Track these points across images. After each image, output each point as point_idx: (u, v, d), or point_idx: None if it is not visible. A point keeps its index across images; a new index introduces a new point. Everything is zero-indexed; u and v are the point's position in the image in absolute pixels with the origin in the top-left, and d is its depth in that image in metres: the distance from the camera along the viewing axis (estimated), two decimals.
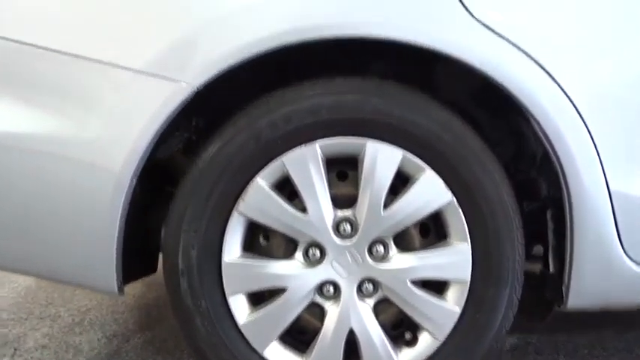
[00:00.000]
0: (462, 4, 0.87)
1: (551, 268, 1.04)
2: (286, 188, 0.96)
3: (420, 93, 0.94)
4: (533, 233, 1.05)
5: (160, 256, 1.02)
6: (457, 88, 1.06)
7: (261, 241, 1.00)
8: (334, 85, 0.93)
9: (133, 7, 0.90)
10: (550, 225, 1.04)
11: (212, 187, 0.92)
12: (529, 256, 1.09)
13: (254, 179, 0.92)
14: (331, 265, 0.96)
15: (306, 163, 0.92)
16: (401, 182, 0.96)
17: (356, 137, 0.92)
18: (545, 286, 1.07)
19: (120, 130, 0.89)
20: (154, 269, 1.13)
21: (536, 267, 1.12)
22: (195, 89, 0.88)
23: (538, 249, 1.14)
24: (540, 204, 1.06)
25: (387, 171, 0.93)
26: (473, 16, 0.88)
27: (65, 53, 0.89)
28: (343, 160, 0.96)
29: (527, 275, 1.04)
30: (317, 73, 0.95)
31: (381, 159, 0.93)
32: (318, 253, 0.96)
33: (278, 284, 0.96)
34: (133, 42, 0.90)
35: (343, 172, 0.98)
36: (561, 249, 0.99)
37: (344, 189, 0.97)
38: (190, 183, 0.93)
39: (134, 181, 0.91)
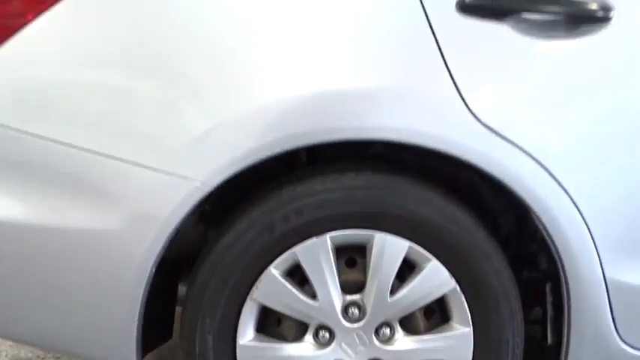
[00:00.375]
0: (469, 109, 0.91)
1: (549, 340, 1.09)
2: (297, 273, 1.01)
3: (426, 187, 0.99)
4: (535, 295, 1.10)
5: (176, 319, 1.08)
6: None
7: (274, 322, 1.05)
8: (344, 180, 0.97)
9: (152, 107, 0.94)
10: (549, 297, 1.08)
11: (227, 277, 0.97)
12: (528, 320, 1.14)
13: (267, 269, 0.97)
14: (340, 346, 1.01)
15: (317, 254, 0.97)
16: (407, 268, 1.01)
17: (364, 230, 0.97)
18: (544, 356, 1.12)
19: (139, 226, 0.94)
20: (170, 335, 1.18)
21: (536, 330, 1.17)
22: (212, 188, 0.92)
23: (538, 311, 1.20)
24: (540, 275, 1.11)
25: (393, 261, 0.98)
26: (478, 119, 0.92)
27: (89, 151, 0.93)
28: (352, 247, 1.01)
29: (526, 340, 1.10)
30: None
31: (388, 250, 0.97)
32: (327, 335, 1.01)
33: None
34: (153, 141, 0.94)
35: (352, 258, 1.03)
36: (559, 322, 1.04)
37: (353, 275, 1.02)
38: (206, 273, 0.98)
39: (153, 269, 0.96)
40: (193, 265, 1.03)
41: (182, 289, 1.14)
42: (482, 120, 0.92)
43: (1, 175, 0.96)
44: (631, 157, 0.97)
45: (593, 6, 0.92)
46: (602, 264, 0.98)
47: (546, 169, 0.94)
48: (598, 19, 0.93)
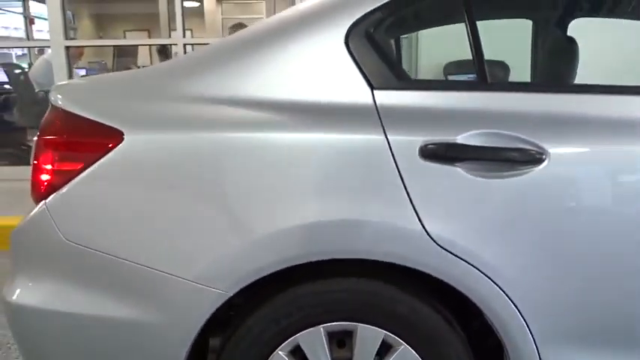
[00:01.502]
0: (430, 236, 1.18)
1: None
2: (299, 351, 1.30)
3: (398, 289, 1.26)
4: None
5: None
6: None
7: None
8: (334, 284, 1.26)
9: (184, 232, 1.24)
10: None
11: (245, 354, 1.27)
12: None
13: (275, 351, 1.27)
14: None
15: (314, 340, 1.26)
16: (386, 348, 1.29)
17: (350, 322, 1.26)
18: None
19: (175, 325, 1.24)
20: None
21: None
22: (231, 295, 1.22)
23: None
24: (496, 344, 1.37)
25: (372, 345, 1.27)
26: (436, 242, 1.19)
27: (138, 264, 1.24)
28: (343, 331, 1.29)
29: None
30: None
31: (369, 337, 1.26)
32: None
33: None
34: (186, 258, 1.23)
35: (342, 340, 1.31)
36: None
37: (343, 353, 1.31)
38: (227, 355, 1.28)
39: (186, 357, 1.26)
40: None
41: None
42: (439, 242, 1.19)
43: (79, 280, 1.28)
44: (561, 270, 1.22)
45: (530, 150, 1.18)
46: (539, 350, 1.24)
47: (491, 279, 1.20)
48: (534, 160, 1.19)
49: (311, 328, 1.26)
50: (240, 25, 5.59)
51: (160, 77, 1.41)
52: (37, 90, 5.20)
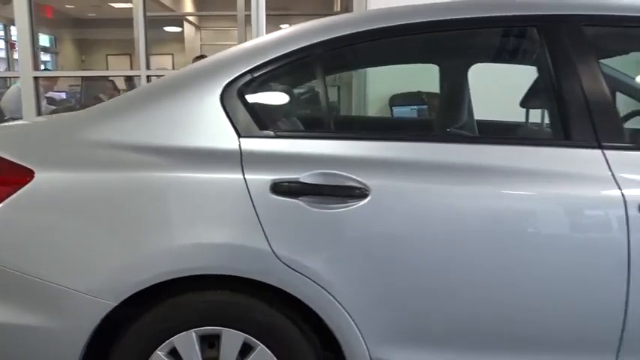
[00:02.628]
0: (276, 256, 1.47)
1: None
2: (176, 352, 1.57)
3: (256, 299, 1.54)
4: None
5: None
6: None
7: None
8: (204, 296, 1.54)
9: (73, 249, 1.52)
10: None
11: (129, 355, 1.54)
12: None
13: (155, 352, 1.54)
14: None
15: (187, 342, 1.54)
16: (248, 348, 1.56)
17: (217, 327, 1.54)
18: None
19: (70, 331, 1.51)
20: None
21: None
22: (116, 305, 1.49)
23: None
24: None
25: (234, 347, 1.54)
26: (282, 261, 1.47)
27: (43, 279, 1.51)
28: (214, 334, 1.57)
29: None
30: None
31: (232, 339, 1.54)
32: None
33: None
34: (81, 274, 1.51)
35: (212, 342, 1.58)
36: None
37: (212, 353, 1.58)
38: (115, 355, 1.55)
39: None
40: None
41: None
42: (284, 261, 1.48)
43: None
44: (382, 282, 1.51)
45: (357, 187, 1.48)
46: (368, 347, 1.52)
47: (325, 289, 1.49)
48: (360, 196, 1.48)
49: (184, 332, 1.54)
50: (201, 57, 5.92)
51: (72, 123, 1.70)
52: (6, 117, 5.46)
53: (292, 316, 1.56)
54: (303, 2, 9.68)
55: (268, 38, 1.70)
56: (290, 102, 1.76)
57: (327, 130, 1.58)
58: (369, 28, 1.63)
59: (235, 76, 1.60)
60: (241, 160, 1.52)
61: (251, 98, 1.61)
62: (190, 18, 12.97)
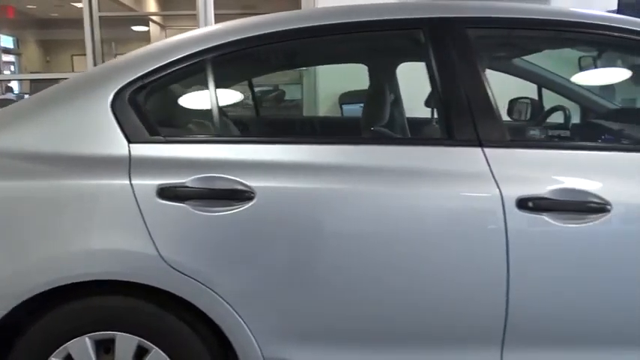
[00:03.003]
0: (163, 259, 1.49)
1: None
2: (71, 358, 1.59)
3: (147, 303, 1.56)
4: None
5: None
6: None
7: None
8: (97, 302, 1.55)
9: None
10: None
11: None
12: None
13: (50, 358, 1.55)
14: None
15: (80, 348, 1.55)
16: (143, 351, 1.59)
17: (110, 332, 1.55)
18: None
19: None
20: None
21: None
22: (5, 313, 1.50)
23: None
24: None
25: (129, 351, 1.56)
26: (168, 264, 1.50)
27: None
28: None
29: None
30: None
31: (126, 343, 1.56)
32: None
33: None
34: None
35: (108, 347, 1.60)
36: None
37: (108, 358, 1.59)
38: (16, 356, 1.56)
39: None
40: None
41: None
42: (172, 265, 1.50)
43: None
44: (269, 281, 1.54)
45: (243, 190, 1.51)
46: (260, 346, 1.56)
47: (213, 290, 1.52)
48: (245, 198, 1.51)
49: (77, 338, 1.55)
50: None
51: None
52: None
53: (187, 317, 1.58)
54: (271, 2, 9.67)
55: (160, 44, 1.72)
56: (182, 107, 1.78)
57: (217, 134, 1.61)
58: (253, 34, 1.66)
59: (126, 82, 1.61)
60: (130, 165, 1.54)
61: (142, 104, 1.62)
62: (155, 17, 12.85)
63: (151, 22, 12.97)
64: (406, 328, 1.59)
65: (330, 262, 1.54)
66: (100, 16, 5.51)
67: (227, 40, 1.64)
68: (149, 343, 1.56)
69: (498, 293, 1.55)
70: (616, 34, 1.64)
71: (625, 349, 1.60)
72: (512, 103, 2.79)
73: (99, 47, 5.35)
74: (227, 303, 1.53)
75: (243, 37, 1.65)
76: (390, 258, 1.54)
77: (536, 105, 2.60)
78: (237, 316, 1.54)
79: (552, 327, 1.59)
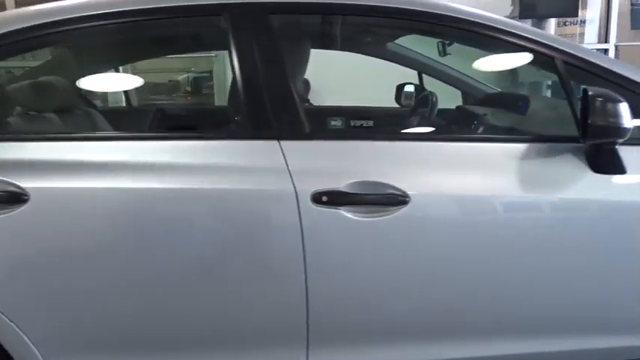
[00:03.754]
0: None
1: None
2: None
3: None
4: None
5: None
6: None
7: None
8: None
9: None
10: None
11: None
12: None
13: None
14: None
15: None
16: None
17: None
18: None
19: None
20: None
21: None
22: None
23: None
24: None
25: None
26: None
27: None
28: None
29: None
30: None
31: None
32: None
33: None
34: None
35: None
36: None
37: None
38: None
39: None
40: None
41: None
42: None
43: None
44: (45, 288, 1.43)
45: (16, 192, 1.39)
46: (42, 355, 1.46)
47: None
48: (21, 201, 1.39)
49: None
50: None
51: None
52: None
53: None
54: None
55: None
56: None
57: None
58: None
59: None
60: None
61: None
62: None
63: None
64: (207, 332, 1.52)
65: (100, 269, 1.44)
66: None
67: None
68: None
69: (297, 292, 1.49)
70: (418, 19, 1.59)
71: (428, 342, 1.58)
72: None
73: None
74: (2, 313, 1.43)
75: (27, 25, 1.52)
76: (182, 261, 1.45)
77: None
78: (12, 324, 1.43)
79: (357, 323, 1.55)
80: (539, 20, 4.30)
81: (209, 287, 1.48)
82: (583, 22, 6.36)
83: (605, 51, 5.19)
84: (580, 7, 6.48)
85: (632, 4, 7.53)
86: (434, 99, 2.29)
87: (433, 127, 1.99)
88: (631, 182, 1.54)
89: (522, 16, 4.21)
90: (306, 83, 5.40)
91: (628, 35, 7.16)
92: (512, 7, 4.76)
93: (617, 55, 5.72)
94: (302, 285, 1.48)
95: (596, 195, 1.52)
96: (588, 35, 5.92)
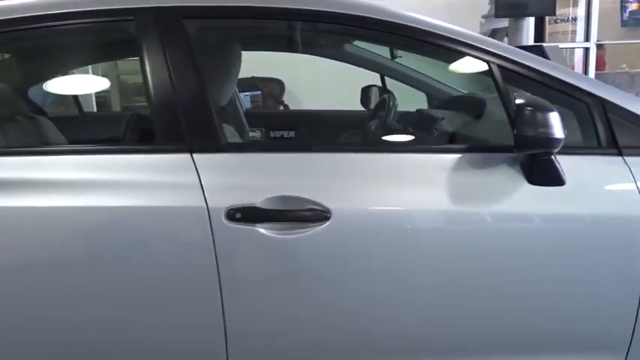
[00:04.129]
0: None
1: None
2: None
3: None
4: None
5: None
6: None
7: None
8: None
9: None
10: None
11: None
12: None
13: None
14: None
15: None
16: None
17: None
18: None
19: None
20: None
21: None
22: None
23: None
24: None
25: None
26: None
27: None
28: None
29: None
30: None
31: None
32: None
33: None
34: None
35: None
36: None
37: None
38: None
39: None
40: None
41: None
42: None
43: None
44: None
45: None
46: None
47: None
48: None
49: None
50: None
51: None
52: None
53: None
54: None
55: None
56: None
57: None
58: None
59: None
60: None
61: None
62: None
63: None
64: (124, 358, 1.43)
65: (18, 290, 1.36)
66: None
67: None
68: None
69: (214, 315, 1.40)
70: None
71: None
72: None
73: None
74: None
75: None
76: (89, 285, 1.37)
77: None
78: None
79: (278, 350, 1.46)
80: (516, 19, 4.20)
81: (121, 311, 1.39)
82: (574, 19, 6.26)
83: (586, 50, 5.07)
84: (571, 5, 6.38)
85: (621, 2, 7.43)
86: (384, 106, 2.20)
87: (364, 137, 1.89)
88: (566, 193, 1.44)
89: (498, 15, 4.11)
90: (281, 84, 5.29)
91: (619, 33, 7.07)
92: (489, 6, 4.67)
93: (601, 54, 5.62)
94: (218, 308, 1.39)
95: (528, 208, 1.43)
96: (580, 33, 5.83)
